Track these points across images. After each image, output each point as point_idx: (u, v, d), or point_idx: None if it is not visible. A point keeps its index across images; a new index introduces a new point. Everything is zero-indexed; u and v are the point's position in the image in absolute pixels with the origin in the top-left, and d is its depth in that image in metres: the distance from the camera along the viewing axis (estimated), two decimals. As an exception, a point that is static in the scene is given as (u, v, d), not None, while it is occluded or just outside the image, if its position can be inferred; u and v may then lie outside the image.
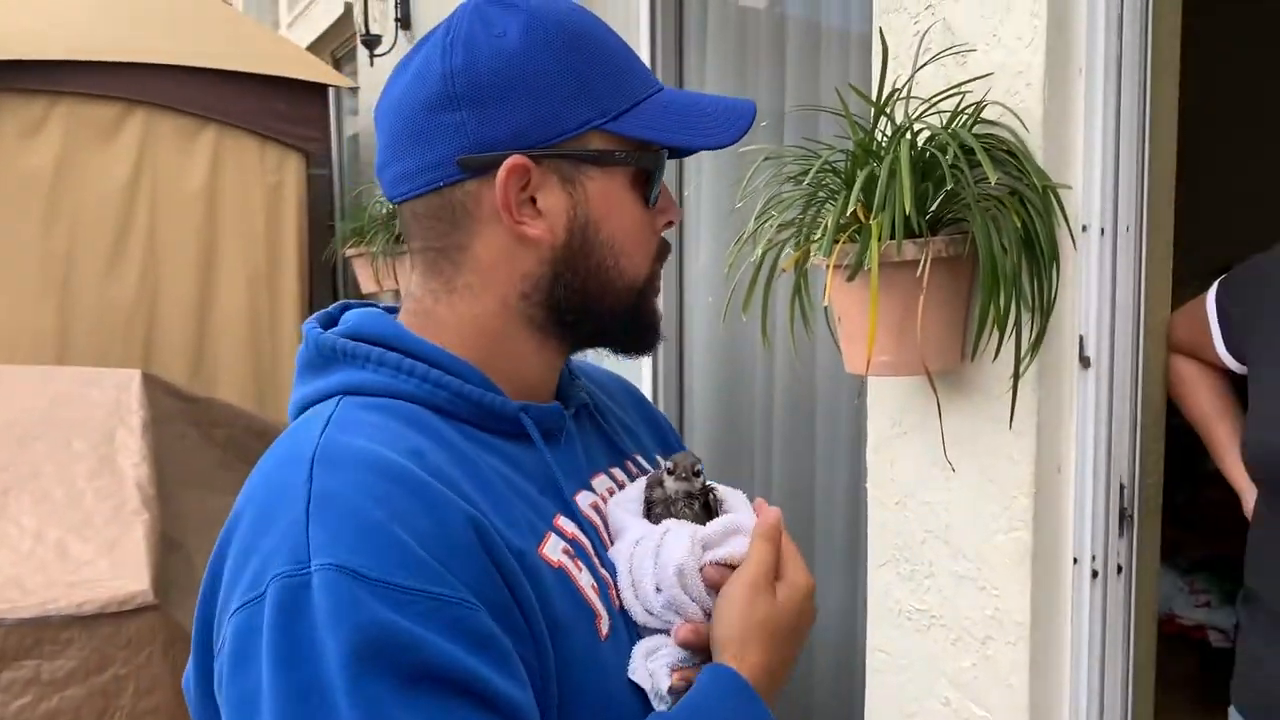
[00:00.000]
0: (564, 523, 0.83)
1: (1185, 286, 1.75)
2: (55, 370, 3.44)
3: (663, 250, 0.91)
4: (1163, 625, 3.63)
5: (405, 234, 0.89)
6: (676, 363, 2.83)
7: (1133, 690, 1.71)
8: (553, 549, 0.80)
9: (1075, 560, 1.66)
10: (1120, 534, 1.68)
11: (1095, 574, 1.67)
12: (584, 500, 0.88)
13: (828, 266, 1.57)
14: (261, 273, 4.72)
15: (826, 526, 2.43)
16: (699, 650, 0.83)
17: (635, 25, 2.87)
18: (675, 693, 0.81)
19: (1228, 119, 3.79)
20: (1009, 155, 1.58)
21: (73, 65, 4.31)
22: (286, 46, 5.21)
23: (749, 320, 1.76)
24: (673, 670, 0.81)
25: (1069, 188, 1.58)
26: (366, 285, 4.57)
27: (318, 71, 4.89)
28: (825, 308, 1.72)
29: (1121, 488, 1.66)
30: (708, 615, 0.83)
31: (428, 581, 0.70)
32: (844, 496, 2.34)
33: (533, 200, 0.83)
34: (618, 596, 0.84)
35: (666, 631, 0.83)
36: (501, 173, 0.81)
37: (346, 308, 0.92)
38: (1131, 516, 1.68)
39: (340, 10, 5.64)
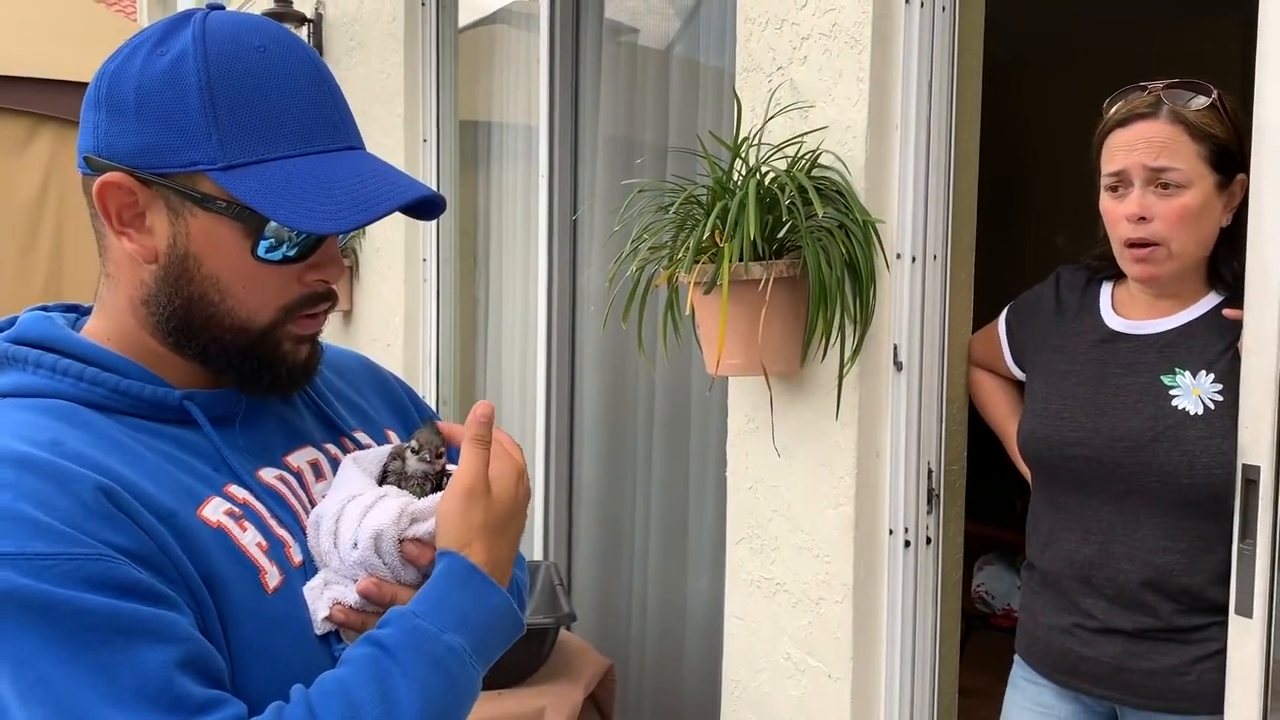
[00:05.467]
0: (235, 490, 0.87)
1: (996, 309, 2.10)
2: None
3: (308, 301, 0.91)
4: (1003, 620, 4.04)
5: None
6: (569, 362, 3.12)
7: (939, 643, 2.05)
8: (213, 510, 0.85)
9: (890, 531, 1.99)
10: (929, 510, 2.02)
11: (908, 544, 2.00)
12: (269, 474, 0.92)
13: (689, 282, 1.89)
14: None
15: (698, 510, 2.74)
16: (375, 603, 0.87)
17: (536, 51, 3.16)
18: (331, 622, 0.87)
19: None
20: (838, 194, 1.92)
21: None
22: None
23: (628, 327, 2.07)
24: (335, 603, 0.86)
25: (883, 222, 1.93)
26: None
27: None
28: (690, 317, 2.03)
29: (930, 471, 2.01)
30: (398, 583, 0.88)
31: (63, 545, 0.75)
32: (712, 483, 2.66)
33: (144, 217, 0.86)
34: (303, 549, 0.89)
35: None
36: (97, 183, 0.84)
37: (45, 309, 0.94)
38: (938, 495, 2.02)
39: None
